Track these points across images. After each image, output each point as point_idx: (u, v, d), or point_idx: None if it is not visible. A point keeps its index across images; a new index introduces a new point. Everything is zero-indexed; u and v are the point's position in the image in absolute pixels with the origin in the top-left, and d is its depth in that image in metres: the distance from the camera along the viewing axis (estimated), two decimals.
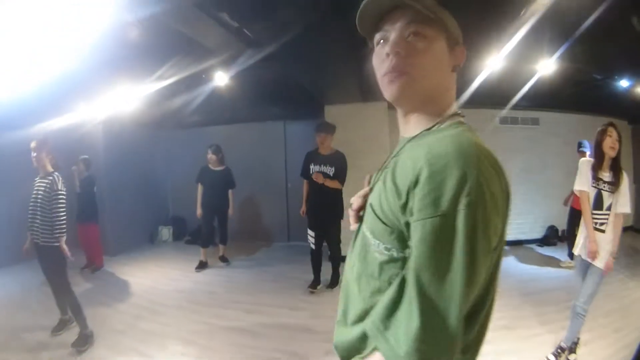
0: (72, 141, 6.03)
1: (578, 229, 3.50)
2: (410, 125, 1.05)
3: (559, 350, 3.42)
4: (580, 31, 3.74)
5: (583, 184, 3.36)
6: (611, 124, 3.34)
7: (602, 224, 3.27)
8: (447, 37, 1.00)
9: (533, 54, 4.81)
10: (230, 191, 6.45)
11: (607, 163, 3.32)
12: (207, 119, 7.76)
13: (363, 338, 0.95)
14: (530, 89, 5.80)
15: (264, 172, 8.17)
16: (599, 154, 3.33)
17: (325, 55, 4.20)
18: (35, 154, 3.76)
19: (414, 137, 1.01)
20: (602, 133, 3.30)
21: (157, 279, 5.79)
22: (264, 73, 4.97)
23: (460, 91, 4.14)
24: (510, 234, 7.67)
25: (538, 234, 7.90)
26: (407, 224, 0.85)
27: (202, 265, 6.23)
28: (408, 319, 0.78)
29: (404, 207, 0.85)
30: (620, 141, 3.30)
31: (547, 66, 5.14)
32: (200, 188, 6.33)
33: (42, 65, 3.74)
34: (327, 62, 4.48)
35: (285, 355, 3.49)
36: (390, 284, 0.89)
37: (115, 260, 6.65)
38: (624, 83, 6.09)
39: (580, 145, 5.87)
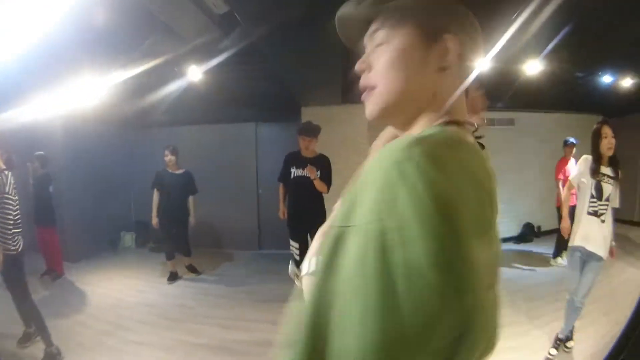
0: (26, 136, 5.53)
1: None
2: None
3: (557, 342, 3.61)
4: (565, 31, 3.92)
5: (575, 177, 3.65)
6: (605, 123, 3.47)
7: (601, 213, 3.43)
8: (420, 32, 0.77)
9: (518, 56, 4.91)
10: (191, 198, 6.00)
11: (606, 161, 3.47)
12: (175, 118, 7.40)
13: None
14: (509, 91, 6.03)
15: (234, 177, 7.91)
16: (597, 156, 3.48)
17: (306, 51, 4.04)
18: None
19: None
20: (598, 136, 3.43)
21: (123, 290, 5.51)
22: (236, 72, 4.80)
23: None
24: None
25: (514, 232, 8.12)
26: None
27: (173, 277, 5.90)
28: None
29: None
30: (614, 137, 3.44)
31: (533, 67, 5.27)
32: (156, 194, 5.88)
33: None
34: (308, 59, 4.32)
35: None
36: None
37: (76, 267, 6.32)
38: (607, 79, 6.28)
39: (566, 141, 5.93)
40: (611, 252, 3.47)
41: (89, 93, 5.16)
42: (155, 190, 5.84)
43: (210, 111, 7.26)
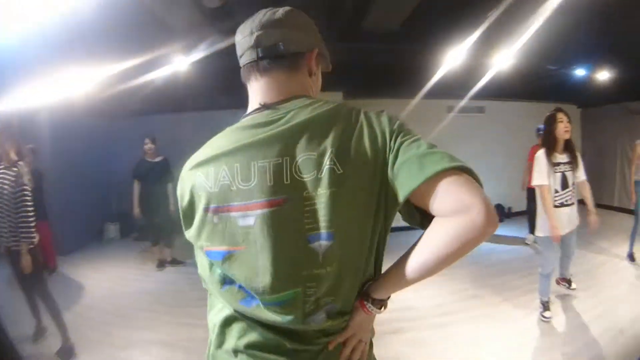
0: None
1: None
2: None
3: (546, 305, 3.99)
4: (537, 25, 4.07)
5: (543, 178, 3.70)
6: (560, 110, 3.77)
7: (569, 199, 3.76)
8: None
9: (488, 49, 5.11)
10: (170, 185, 5.98)
11: (561, 146, 3.74)
12: (156, 107, 7.48)
13: None
14: (474, 80, 6.24)
15: None
16: (552, 140, 3.75)
17: None
18: None
19: None
20: (553, 120, 3.73)
21: (116, 281, 5.67)
22: (219, 61, 4.74)
23: (413, 84, 4.40)
24: None
25: None
26: None
27: (162, 264, 6.10)
28: None
29: None
30: (570, 123, 3.76)
31: (503, 60, 5.50)
32: (136, 185, 6.00)
33: None
34: None
35: None
36: None
37: (67, 260, 6.40)
38: (580, 72, 6.59)
39: (539, 129, 6.06)
40: (595, 223, 3.90)
41: (75, 85, 5.18)
42: (135, 180, 5.96)
43: (193, 99, 7.37)
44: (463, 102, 7.48)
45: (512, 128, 8.05)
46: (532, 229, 6.21)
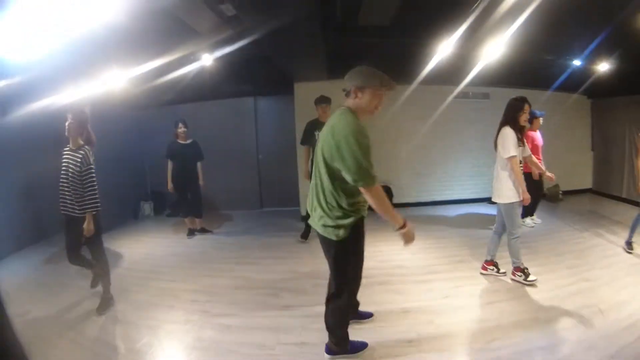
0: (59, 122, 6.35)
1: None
2: None
3: (526, 270, 4.44)
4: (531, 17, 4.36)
5: (515, 150, 4.23)
6: (527, 101, 4.35)
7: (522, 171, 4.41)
8: None
9: (483, 38, 5.47)
10: (199, 163, 6.90)
11: (519, 130, 4.36)
12: (181, 96, 8.21)
13: None
14: (481, 69, 6.67)
15: (236, 145, 8.95)
16: (516, 124, 4.33)
17: (297, 39, 4.83)
18: (69, 125, 3.85)
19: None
20: (520, 109, 4.31)
21: (152, 247, 6.51)
22: (237, 54, 5.44)
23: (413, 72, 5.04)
24: (465, 193, 9.05)
25: (488, 193, 8.89)
26: None
27: (192, 233, 7.01)
28: None
29: None
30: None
31: (495, 50, 5.87)
32: (170, 163, 6.78)
33: (35, 46, 3.78)
34: (299, 46, 5.16)
35: (281, 291, 4.45)
36: None
37: (106, 236, 6.83)
38: (576, 62, 6.96)
39: (533, 114, 6.38)
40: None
41: (116, 81, 6.00)
42: (168, 160, 6.80)
43: (214, 89, 8.07)
44: (459, 89, 8.07)
45: None
46: (524, 214, 6.70)
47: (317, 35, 4.64)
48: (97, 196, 4.01)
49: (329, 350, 3.13)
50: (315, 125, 5.96)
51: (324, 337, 3.19)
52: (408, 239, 2.79)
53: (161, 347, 3.38)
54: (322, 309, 3.13)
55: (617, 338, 3.23)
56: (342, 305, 3.03)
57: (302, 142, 6.19)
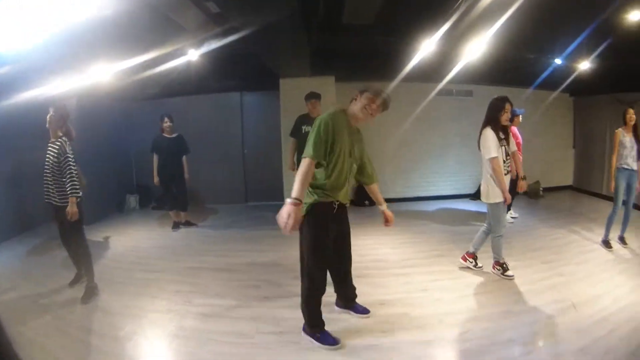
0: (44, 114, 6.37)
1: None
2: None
3: (505, 265, 4.61)
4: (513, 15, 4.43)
5: (495, 151, 4.35)
6: (508, 100, 4.43)
7: (508, 169, 4.52)
8: None
9: (466, 36, 5.58)
10: (184, 157, 7.01)
11: (501, 129, 4.48)
12: (169, 90, 8.34)
13: None
14: (464, 66, 6.79)
15: (223, 140, 9.09)
16: (497, 123, 4.44)
17: (287, 36, 4.91)
18: (50, 116, 4.09)
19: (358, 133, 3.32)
20: (500, 109, 4.41)
21: (137, 239, 6.64)
22: (224, 49, 5.49)
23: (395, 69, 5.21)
24: (447, 189, 9.23)
25: (470, 190, 9.23)
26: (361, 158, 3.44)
27: (176, 225, 7.12)
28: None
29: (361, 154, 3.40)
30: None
31: (477, 48, 5.97)
32: (155, 157, 6.86)
33: (22, 38, 3.82)
34: (288, 42, 5.24)
35: (262, 283, 4.58)
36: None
37: (92, 228, 7.11)
38: (557, 61, 7.13)
39: (513, 112, 6.59)
40: (521, 187, 4.90)
41: (102, 74, 6.05)
42: (154, 153, 6.87)
43: (200, 83, 8.17)
44: (440, 86, 8.17)
45: None
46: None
47: (301, 33, 4.75)
48: (77, 184, 4.19)
49: (304, 328, 3.36)
50: (304, 120, 6.18)
51: (301, 326, 3.37)
52: (282, 220, 2.76)
53: (144, 335, 3.48)
54: (300, 299, 3.36)
55: (589, 332, 3.31)
56: (303, 289, 3.28)
57: (291, 134, 6.43)
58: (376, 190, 3.66)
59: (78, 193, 4.20)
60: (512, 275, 4.52)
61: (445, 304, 3.98)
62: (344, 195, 3.28)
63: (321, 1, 4.56)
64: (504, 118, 4.44)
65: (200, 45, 5.66)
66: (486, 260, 4.84)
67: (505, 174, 4.45)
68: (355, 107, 3.16)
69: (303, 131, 6.19)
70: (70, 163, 4.12)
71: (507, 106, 4.41)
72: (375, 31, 5.43)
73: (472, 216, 7.60)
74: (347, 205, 3.43)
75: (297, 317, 3.41)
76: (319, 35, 5.46)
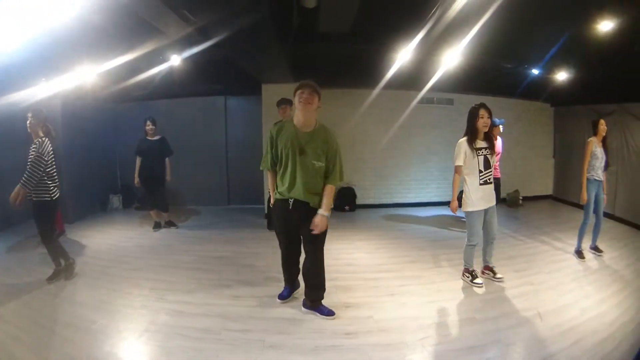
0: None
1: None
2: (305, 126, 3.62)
3: (474, 273, 4.73)
4: (485, 26, 4.59)
5: (460, 160, 4.55)
6: (483, 106, 4.52)
7: (489, 177, 4.58)
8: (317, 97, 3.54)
9: (442, 46, 5.76)
10: (167, 159, 7.18)
11: (481, 136, 4.55)
12: (154, 93, 8.49)
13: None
14: (444, 75, 6.95)
15: (206, 143, 9.25)
16: (474, 131, 4.52)
17: (260, 43, 5.01)
18: (29, 122, 4.46)
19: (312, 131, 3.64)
20: (475, 116, 4.49)
21: (117, 239, 6.74)
22: (208, 54, 5.68)
23: (374, 77, 5.69)
24: (426, 197, 9.38)
25: (450, 197, 9.25)
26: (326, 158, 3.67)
27: (157, 225, 7.28)
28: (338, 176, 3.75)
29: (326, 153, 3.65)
30: (490, 117, 4.51)
31: (451, 57, 6.15)
32: (138, 160, 7.05)
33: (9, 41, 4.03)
34: (263, 49, 5.34)
35: (235, 283, 4.75)
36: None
37: (74, 227, 7.38)
38: (534, 71, 7.30)
39: (492, 122, 6.70)
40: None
41: (84, 77, 6.25)
42: (137, 156, 7.06)
43: (185, 86, 8.28)
44: (421, 94, 8.44)
45: None
46: None
47: (275, 41, 4.87)
48: (47, 182, 4.58)
49: None
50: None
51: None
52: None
53: (116, 329, 3.64)
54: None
55: (552, 342, 3.37)
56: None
57: None
58: (327, 192, 3.73)
59: (43, 192, 4.57)
60: (481, 284, 4.63)
61: (410, 309, 4.07)
62: (301, 193, 3.67)
63: (295, 10, 4.69)
64: (481, 124, 4.47)
65: (181, 50, 5.82)
66: (503, 268, 5.01)
67: (483, 184, 4.54)
68: (295, 109, 3.65)
69: None
70: (41, 163, 4.47)
71: (482, 112, 4.47)
72: (353, 39, 5.56)
73: (451, 223, 7.74)
74: (311, 204, 3.69)
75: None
76: (296, 44, 5.60)
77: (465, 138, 4.58)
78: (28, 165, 4.40)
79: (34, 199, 4.54)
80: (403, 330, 3.66)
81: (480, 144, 4.55)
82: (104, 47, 5.36)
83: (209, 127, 9.28)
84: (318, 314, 3.91)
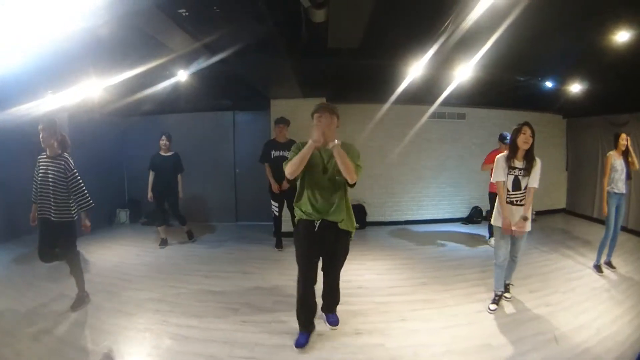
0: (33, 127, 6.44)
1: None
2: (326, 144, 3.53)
3: (496, 298, 4.64)
4: (498, 39, 4.49)
5: (499, 175, 4.49)
6: (526, 124, 4.43)
7: (520, 200, 4.44)
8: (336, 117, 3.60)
9: (454, 61, 5.68)
10: (179, 175, 7.24)
11: (520, 154, 4.43)
12: (162, 108, 8.51)
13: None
14: (456, 89, 6.85)
15: (215, 158, 9.25)
16: (514, 148, 4.44)
17: (268, 58, 5.06)
18: (42, 135, 4.19)
19: (334, 146, 3.48)
20: (517, 132, 4.41)
21: (123, 256, 6.69)
22: (216, 69, 5.63)
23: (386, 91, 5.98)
24: (439, 213, 9.23)
25: (463, 213, 9.34)
26: None
27: (164, 243, 7.24)
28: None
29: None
30: (533, 136, 4.38)
31: (464, 71, 6.06)
32: (151, 175, 7.10)
33: (16, 55, 4.03)
34: (271, 64, 5.38)
35: (242, 306, 4.64)
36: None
37: (79, 241, 6.96)
38: (548, 84, 7.18)
39: (503, 137, 6.72)
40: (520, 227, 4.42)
41: (93, 90, 6.24)
42: (150, 171, 7.09)
43: (193, 101, 8.34)
44: (432, 109, 8.36)
45: (493, 133, 8.34)
46: (491, 233, 7.03)
47: (283, 56, 4.89)
48: (87, 195, 4.55)
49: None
50: (272, 145, 6.64)
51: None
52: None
53: (119, 353, 3.57)
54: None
55: None
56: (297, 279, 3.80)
57: (260, 160, 6.82)
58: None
59: (90, 203, 4.57)
60: (493, 310, 4.51)
61: (422, 336, 3.97)
62: (327, 212, 3.74)
63: (303, 27, 4.68)
64: (521, 140, 4.37)
65: (189, 65, 5.78)
66: (519, 289, 5.04)
67: (514, 203, 4.46)
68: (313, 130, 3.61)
69: (272, 156, 6.64)
70: (78, 179, 4.44)
71: (525, 129, 4.39)
72: (362, 54, 5.51)
73: (464, 240, 7.66)
74: (338, 222, 3.73)
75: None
76: (305, 60, 5.57)
77: (504, 153, 4.56)
78: (75, 187, 4.40)
79: (54, 219, 4.34)
80: (415, 359, 3.56)
81: (517, 163, 4.46)
82: (111, 61, 5.33)
83: (218, 143, 9.27)
84: (324, 320, 4.19)
